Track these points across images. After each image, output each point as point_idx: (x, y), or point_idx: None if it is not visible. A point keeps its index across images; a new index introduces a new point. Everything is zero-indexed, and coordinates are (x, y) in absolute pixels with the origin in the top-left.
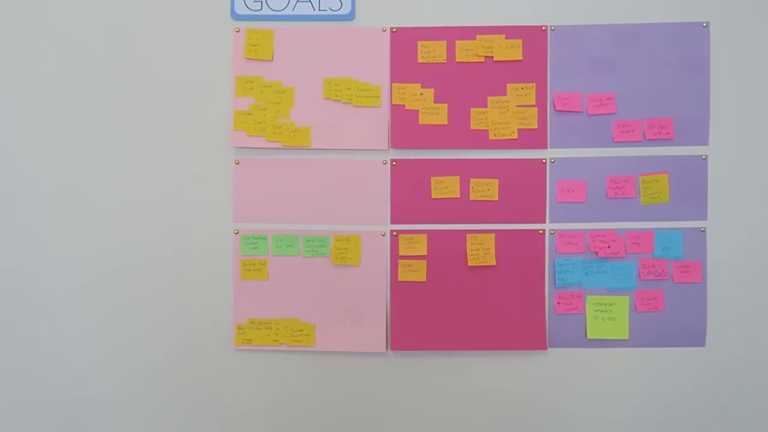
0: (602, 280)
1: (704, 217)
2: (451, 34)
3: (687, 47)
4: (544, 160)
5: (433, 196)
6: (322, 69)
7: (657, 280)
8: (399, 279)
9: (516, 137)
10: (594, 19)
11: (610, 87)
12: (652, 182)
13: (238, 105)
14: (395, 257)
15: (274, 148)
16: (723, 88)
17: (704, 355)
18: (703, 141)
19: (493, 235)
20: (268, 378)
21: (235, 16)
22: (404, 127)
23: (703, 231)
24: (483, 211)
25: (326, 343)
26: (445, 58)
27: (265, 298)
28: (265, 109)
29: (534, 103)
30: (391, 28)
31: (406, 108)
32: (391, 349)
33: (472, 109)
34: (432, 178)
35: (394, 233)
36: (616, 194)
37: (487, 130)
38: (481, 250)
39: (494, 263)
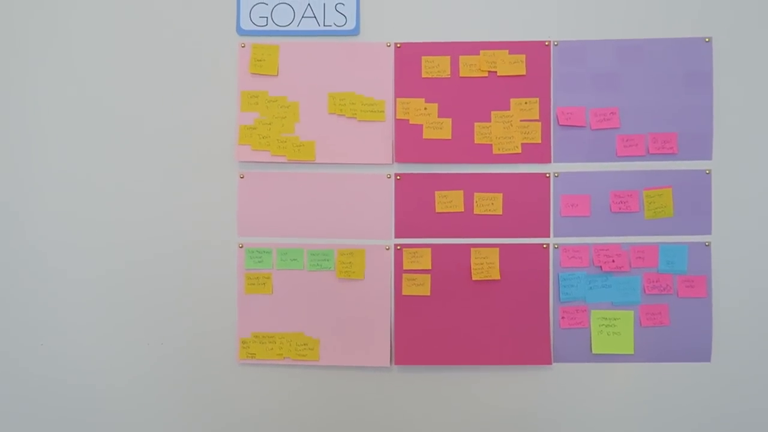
0: (607, 294)
1: (708, 232)
2: (454, 49)
3: (690, 62)
4: (547, 175)
5: (437, 210)
6: (327, 84)
7: (662, 294)
8: (403, 293)
9: (520, 151)
10: (597, 34)
11: (614, 102)
12: (656, 196)
13: (244, 119)
14: (399, 271)
15: (278, 162)
16: (726, 103)
17: (710, 371)
18: (707, 155)
19: (497, 249)
20: (271, 392)
21: (241, 31)
22: (408, 141)
23: (708, 245)
24: (487, 226)
25: (330, 357)
26: (449, 73)
27: (269, 312)
28: (270, 124)
29: (537, 117)
30: (396, 44)
31: (411, 122)
32: (395, 364)
33: (475, 124)
34: (436, 192)
35: (399, 247)
36: (620, 208)
37: (491, 145)
38: (486, 265)
39: (498, 277)
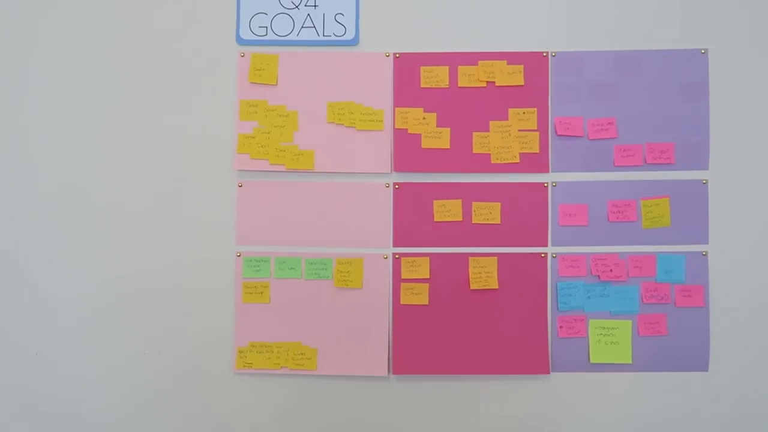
0: (605, 303)
1: (705, 241)
2: (453, 60)
3: (686, 73)
4: (545, 184)
5: (435, 220)
6: (326, 93)
7: (659, 304)
8: (401, 302)
9: (518, 161)
10: (594, 45)
11: (611, 112)
12: (653, 206)
13: (242, 128)
14: (397, 280)
15: (277, 171)
16: (722, 114)
17: (707, 380)
18: (704, 165)
19: (496, 258)
20: (268, 402)
21: (240, 41)
22: (407, 150)
23: (705, 255)
24: (485, 235)
25: (328, 366)
26: (448, 83)
27: (266, 321)
28: (268, 133)
29: (535, 127)
30: (395, 54)
31: (409, 132)
32: (393, 373)
33: (474, 134)
34: (434, 201)
35: (397, 256)
36: (617, 218)
37: (489, 154)
38: (484, 274)
39: (496, 287)
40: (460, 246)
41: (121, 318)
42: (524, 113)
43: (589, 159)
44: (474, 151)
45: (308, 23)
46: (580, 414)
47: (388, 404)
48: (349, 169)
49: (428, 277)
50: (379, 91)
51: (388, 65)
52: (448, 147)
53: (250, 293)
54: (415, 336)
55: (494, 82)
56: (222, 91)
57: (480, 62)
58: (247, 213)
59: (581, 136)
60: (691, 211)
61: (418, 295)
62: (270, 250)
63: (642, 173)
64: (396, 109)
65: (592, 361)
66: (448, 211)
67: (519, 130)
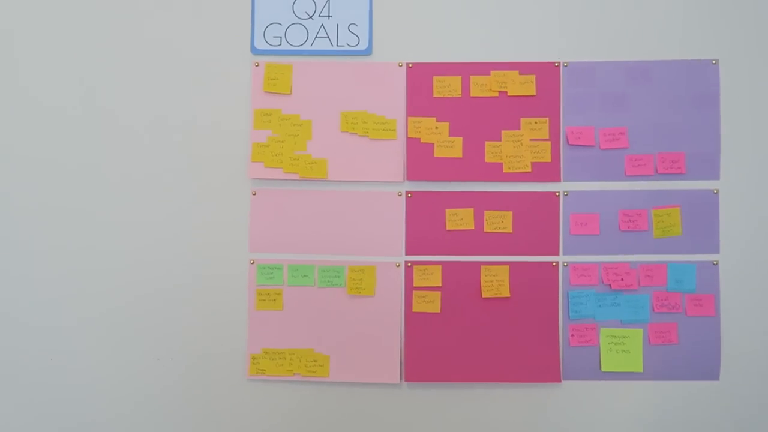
0: (616, 312)
1: (716, 251)
2: (465, 70)
3: (697, 84)
4: (557, 193)
5: (447, 228)
6: (340, 102)
7: (670, 313)
8: (413, 310)
9: (529, 170)
10: (605, 56)
11: (622, 122)
12: (665, 215)
13: (257, 137)
14: (410, 288)
15: (291, 180)
16: (733, 124)
17: (719, 389)
18: (714, 175)
19: (507, 267)
20: (281, 408)
21: (255, 51)
22: (419, 159)
23: (716, 264)
24: (497, 243)
25: (340, 373)
26: (460, 92)
27: (279, 328)
28: (282, 142)
29: (547, 137)
30: (408, 64)
31: (422, 141)
32: (405, 381)
33: (486, 143)
34: (447, 210)
35: (409, 264)
36: (628, 227)
37: (501, 163)
38: (495, 282)
39: (508, 295)
40: (471, 254)
41: (135, 324)
42: (536, 123)
43: (601, 168)
44: (486, 161)
45: (322, 33)
46: (591, 422)
47: (400, 411)
48: (362, 178)
49: (440, 285)
50: (392, 101)
51: (401, 75)
52: (461, 156)
53: (264, 300)
54: (427, 343)
55: (506, 91)
56: (236, 100)
57: (492, 72)
58: (260, 221)
59: (593, 146)
60: (702, 221)
61: (430, 303)
62: (283, 258)
63: (653, 183)
64: (409, 118)
65: (603, 369)
66: (460, 219)
67: (531, 140)
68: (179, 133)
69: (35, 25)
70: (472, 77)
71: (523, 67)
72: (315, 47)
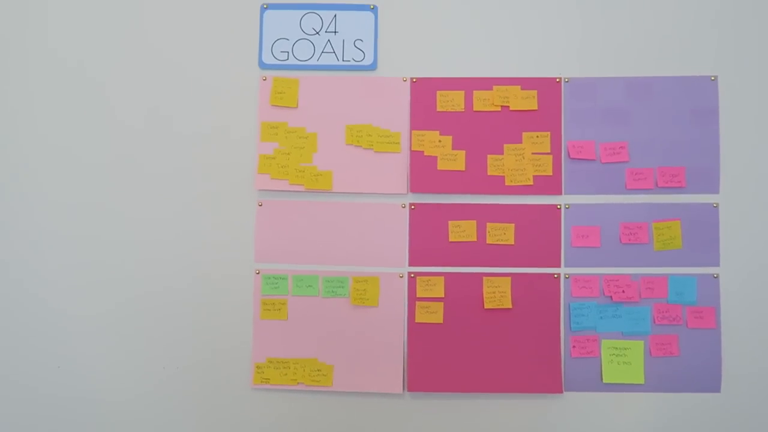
0: (617, 324)
1: (716, 264)
2: (468, 85)
3: (696, 99)
4: (558, 206)
5: (450, 240)
6: (345, 116)
7: (671, 325)
8: (416, 320)
9: (531, 183)
10: (606, 71)
11: (623, 136)
12: (665, 229)
13: (263, 149)
14: (413, 299)
15: (296, 191)
16: (732, 139)
17: (720, 401)
18: (714, 189)
19: (509, 278)
20: (285, 417)
21: (263, 65)
22: (423, 172)
23: (716, 277)
24: (499, 255)
25: (343, 383)
26: (463, 107)
27: (284, 337)
28: (288, 154)
29: (549, 150)
30: (412, 78)
31: (425, 154)
32: (408, 391)
33: (488, 156)
34: (449, 221)
35: (412, 275)
36: (629, 240)
37: (504, 177)
38: (498, 293)
39: (510, 306)
40: (474, 266)
41: (141, 333)
42: (538, 137)
43: (602, 182)
44: (488, 174)
45: (328, 48)
46: None
47: (402, 421)
48: (367, 190)
49: (443, 296)
50: (397, 115)
51: (405, 89)
52: (464, 169)
53: (268, 310)
54: (430, 354)
55: (508, 106)
56: (244, 113)
57: (495, 87)
58: (266, 231)
59: (594, 160)
60: (702, 234)
61: (432, 314)
62: (288, 268)
63: (653, 196)
64: (413, 131)
65: (604, 380)
66: (462, 231)
67: (533, 153)
68: (188, 145)
69: (55, 39)
70: (474, 92)
71: (525, 83)
72: (321, 62)
